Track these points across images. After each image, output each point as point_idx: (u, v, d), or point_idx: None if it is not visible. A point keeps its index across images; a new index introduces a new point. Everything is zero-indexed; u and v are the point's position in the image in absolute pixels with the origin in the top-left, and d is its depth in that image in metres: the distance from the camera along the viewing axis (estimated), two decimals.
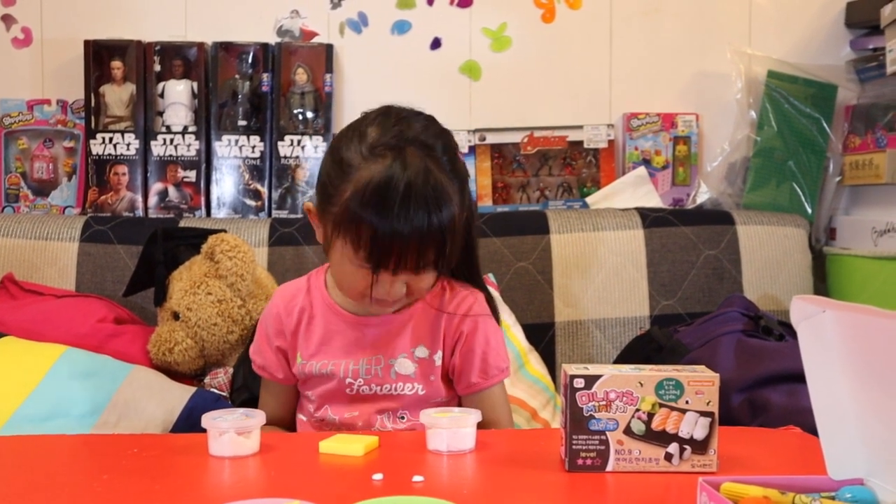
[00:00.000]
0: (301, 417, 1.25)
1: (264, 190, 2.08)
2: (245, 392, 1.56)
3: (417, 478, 0.87)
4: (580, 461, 0.90)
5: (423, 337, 1.19)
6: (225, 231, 1.70)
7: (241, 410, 1.01)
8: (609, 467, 0.90)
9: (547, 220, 1.93)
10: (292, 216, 2.07)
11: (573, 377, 0.89)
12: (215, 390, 1.60)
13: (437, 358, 1.19)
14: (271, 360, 1.22)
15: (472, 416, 0.99)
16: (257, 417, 0.99)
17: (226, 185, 2.09)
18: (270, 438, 1.01)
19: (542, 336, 1.87)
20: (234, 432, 0.96)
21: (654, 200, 2.09)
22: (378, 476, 0.88)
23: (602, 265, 1.91)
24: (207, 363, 1.69)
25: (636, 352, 1.72)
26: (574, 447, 0.90)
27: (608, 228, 1.93)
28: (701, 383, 0.88)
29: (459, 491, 0.86)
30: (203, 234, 1.69)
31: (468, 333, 1.19)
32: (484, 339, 1.19)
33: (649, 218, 1.95)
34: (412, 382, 1.18)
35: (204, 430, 0.99)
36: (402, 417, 1.19)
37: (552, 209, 2.05)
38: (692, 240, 1.93)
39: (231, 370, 1.64)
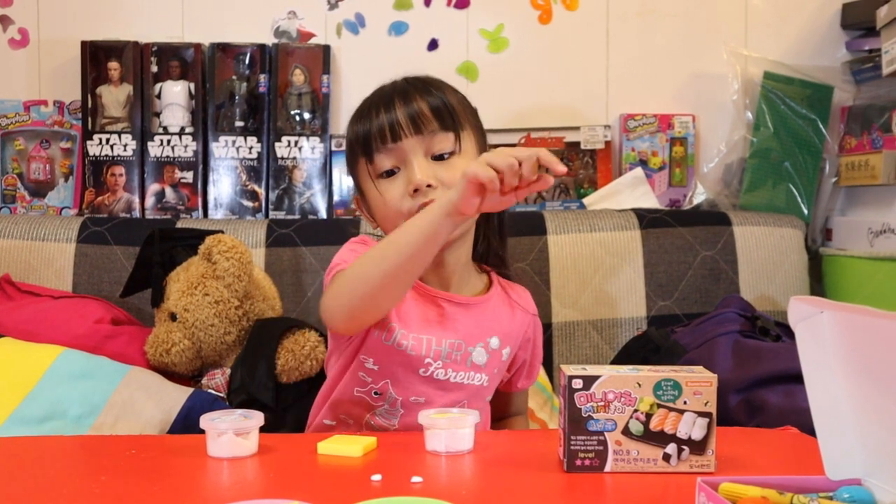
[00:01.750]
0: (348, 392, 1.18)
1: (261, 191, 2.07)
2: (243, 393, 1.56)
3: (416, 479, 0.87)
4: (578, 462, 0.90)
5: (496, 328, 1.19)
6: (222, 232, 1.69)
7: (240, 411, 1.00)
8: (607, 468, 0.90)
9: (544, 221, 1.93)
10: (290, 217, 2.06)
11: (571, 378, 0.89)
12: (213, 391, 1.60)
13: (506, 353, 1.20)
14: None
15: (470, 418, 0.99)
16: (256, 419, 0.98)
17: (223, 186, 2.08)
18: (269, 440, 1.01)
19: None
20: (232, 433, 0.95)
21: (650, 201, 2.08)
22: (377, 477, 0.88)
23: (599, 266, 1.90)
24: (205, 364, 1.68)
25: (634, 353, 1.71)
26: (572, 448, 0.90)
27: (605, 229, 1.92)
28: (699, 384, 0.88)
29: (458, 492, 0.86)
30: (200, 235, 1.68)
31: (532, 339, 1.22)
32: (538, 345, 1.23)
33: (646, 219, 1.95)
34: (481, 373, 1.18)
35: (202, 432, 0.98)
36: None
37: (549, 210, 2.04)
38: (689, 241, 1.93)
39: (228, 371, 1.63)
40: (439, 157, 1.14)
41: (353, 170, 1.21)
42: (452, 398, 1.17)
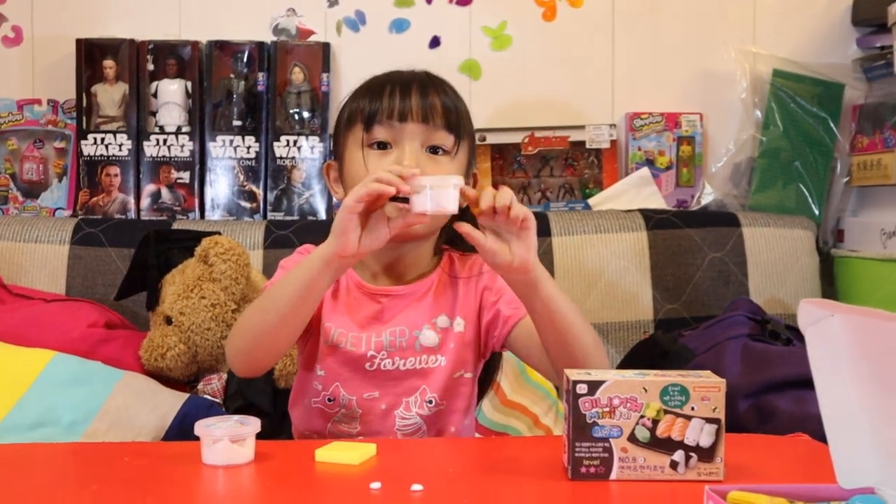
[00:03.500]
0: (307, 403, 1.19)
1: (259, 191, 2.07)
2: (239, 398, 1.57)
3: (416, 487, 0.87)
4: (583, 469, 0.89)
5: (442, 306, 1.19)
6: (219, 233, 1.70)
7: (236, 417, 1.00)
8: (613, 475, 0.90)
9: (549, 222, 1.93)
10: (288, 218, 2.07)
11: (576, 382, 0.88)
12: (209, 397, 1.60)
13: (458, 324, 1.18)
14: None
15: (454, 179, 1.01)
16: (252, 425, 0.98)
17: (220, 186, 2.09)
18: (265, 447, 1.01)
19: None
20: (228, 440, 0.95)
21: (657, 202, 2.09)
22: (376, 485, 0.88)
23: (605, 268, 1.91)
24: (201, 369, 1.69)
25: (640, 357, 1.72)
26: (577, 455, 0.89)
27: (611, 230, 1.93)
28: (707, 389, 0.88)
29: (460, 500, 0.86)
30: (197, 237, 1.68)
31: (487, 286, 1.20)
32: (499, 287, 1.19)
33: (653, 220, 1.96)
34: (435, 354, 1.17)
35: (197, 438, 0.99)
36: (431, 402, 1.17)
37: (554, 211, 2.05)
38: (697, 242, 1.94)
39: (225, 376, 1.64)
40: (434, 151, 1.16)
41: (339, 135, 1.22)
42: (407, 386, 1.17)
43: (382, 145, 1.15)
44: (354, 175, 1.15)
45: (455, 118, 1.16)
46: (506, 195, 0.98)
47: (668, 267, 1.93)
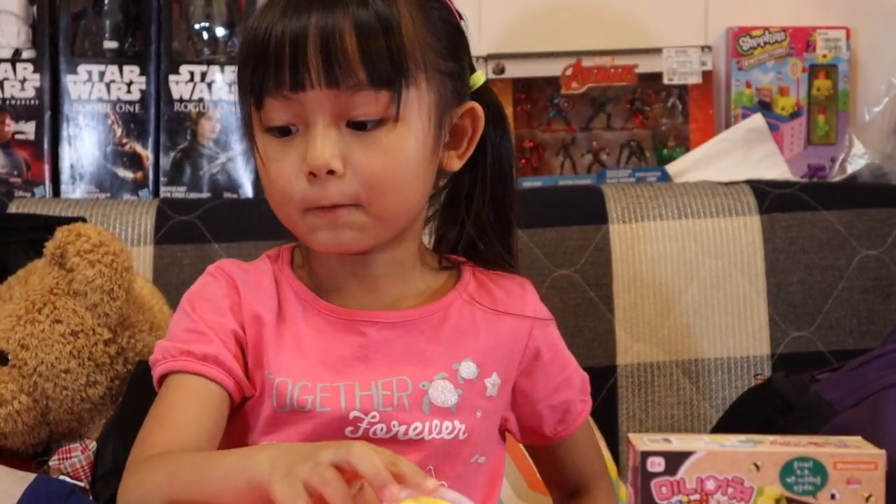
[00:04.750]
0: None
1: (147, 154, 1.87)
2: (116, 481, 1.25)
3: None
4: None
5: (468, 347, 1.12)
6: (83, 221, 1.53)
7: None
8: None
9: (604, 202, 1.75)
10: (193, 195, 1.86)
11: (646, 455, 0.82)
12: (67, 478, 1.44)
13: (491, 384, 1.11)
14: (223, 347, 1.08)
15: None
16: None
17: (84, 145, 1.87)
18: None
19: (597, 386, 1.56)
20: None
21: (777, 169, 1.88)
22: None
23: (693, 274, 1.74)
24: (54, 434, 1.49)
25: (749, 413, 1.53)
26: None
27: (703, 215, 1.75)
28: (856, 465, 0.80)
29: None
30: (47, 227, 1.51)
31: (541, 351, 1.15)
32: (561, 362, 1.16)
33: (770, 197, 1.77)
34: (451, 420, 1.09)
35: None
36: None
37: (612, 184, 1.87)
38: (840, 233, 1.75)
39: (94, 445, 1.46)
40: (360, 126, 1.05)
41: (241, 93, 1.12)
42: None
43: (283, 131, 1.06)
44: (262, 176, 1.10)
45: (386, 53, 1.04)
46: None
47: (794, 272, 1.74)
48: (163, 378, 1.06)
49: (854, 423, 1.35)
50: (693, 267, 1.71)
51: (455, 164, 1.09)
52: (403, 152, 1.04)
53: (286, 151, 1.04)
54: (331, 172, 1.03)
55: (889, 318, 1.70)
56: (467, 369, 1.10)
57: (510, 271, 1.19)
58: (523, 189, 1.87)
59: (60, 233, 1.43)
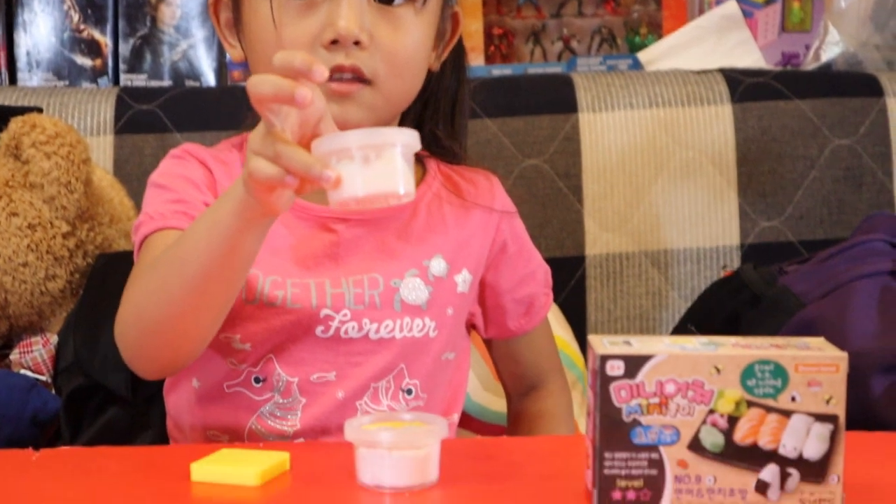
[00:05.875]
0: (215, 387, 1.13)
1: (106, 40, 1.90)
2: (78, 375, 1.43)
3: None
4: (617, 495, 0.83)
5: (439, 244, 1.14)
6: (40, 111, 1.58)
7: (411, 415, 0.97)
8: None
9: (574, 90, 1.80)
10: (154, 84, 1.89)
11: (605, 358, 0.82)
12: (28, 372, 1.50)
13: (462, 281, 1.14)
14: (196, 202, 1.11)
15: (401, 134, 0.89)
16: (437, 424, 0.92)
17: (40, 31, 1.90)
18: (112, 457, 0.97)
19: (566, 277, 1.74)
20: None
21: (750, 57, 1.93)
22: None
23: (663, 164, 1.78)
24: (14, 328, 1.54)
25: (715, 307, 1.59)
26: (607, 472, 0.83)
27: (675, 104, 1.80)
28: (817, 367, 0.82)
29: None
30: (1, 117, 1.55)
31: (507, 243, 1.18)
32: (526, 255, 1.19)
33: (743, 86, 1.82)
34: (421, 318, 1.12)
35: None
36: (409, 392, 1.14)
37: (582, 72, 1.93)
38: (813, 122, 1.80)
39: (54, 339, 1.51)
40: (387, 1, 1.09)
41: None
42: (379, 365, 1.12)
43: None
44: (259, 35, 1.11)
45: None
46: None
47: (766, 162, 1.80)
48: (143, 245, 1.06)
49: (821, 315, 1.44)
50: (663, 157, 1.75)
51: (435, 64, 1.11)
52: (422, 36, 1.06)
53: (304, 17, 1.05)
54: (356, 44, 1.04)
55: (860, 208, 1.77)
56: (438, 266, 1.13)
57: (468, 163, 1.20)
58: (494, 76, 1.92)
59: (15, 124, 1.46)
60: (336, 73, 1.03)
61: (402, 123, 1.18)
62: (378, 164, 0.86)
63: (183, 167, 1.12)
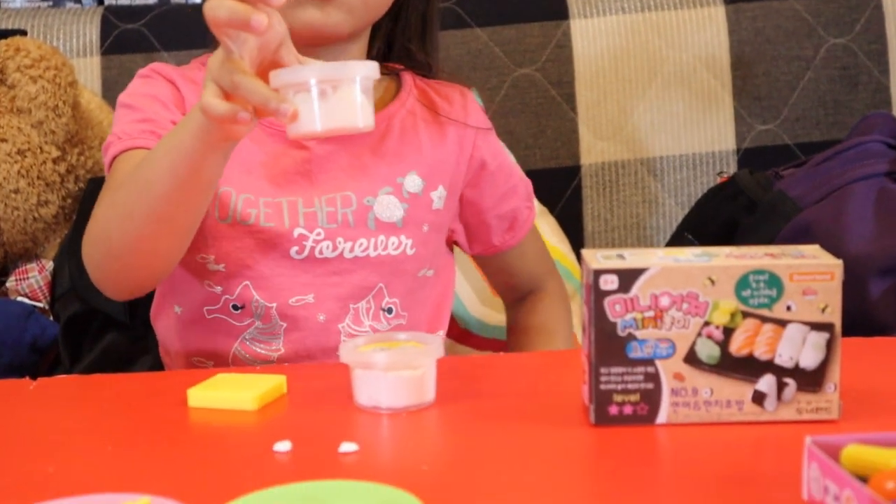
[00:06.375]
0: (195, 312, 1.13)
1: None
2: (74, 302, 1.45)
3: (347, 447, 0.78)
4: (614, 409, 0.83)
5: (412, 160, 1.13)
6: (24, 33, 1.59)
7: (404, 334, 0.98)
8: (661, 418, 0.83)
9: None
10: (139, 2, 1.90)
11: (599, 273, 0.82)
12: (25, 299, 1.54)
13: (437, 197, 1.13)
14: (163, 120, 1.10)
15: (361, 67, 0.89)
16: (432, 344, 0.93)
17: None
18: (112, 384, 0.97)
19: (561, 187, 1.77)
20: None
21: None
22: (283, 446, 0.79)
23: (657, 69, 1.79)
24: (9, 255, 1.58)
25: (710, 213, 1.61)
26: (603, 387, 0.83)
27: (667, 6, 1.79)
28: (812, 276, 0.81)
29: (411, 468, 0.77)
30: None
31: (486, 161, 1.17)
32: (506, 171, 1.18)
33: None
34: (397, 236, 1.11)
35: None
36: (390, 311, 1.13)
37: None
38: (808, 21, 1.80)
39: (50, 265, 1.55)
40: None
41: None
42: (357, 284, 1.11)
43: None
44: None
45: None
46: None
47: (759, 63, 1.81)
48: (112, 165, 1.05)
49: (818, 219, 1.45)
50: (656, 62, 1.75)
51: None
52: None
53: None
54: None
55: (856, 108, 1.77)
56: (412, 183, 1.12)
57: (444, 77, 1.19)
58: None
59: None
60: None
61: (373, 40, 1.17)
62: (335, 98, 0.86)
63: (150, 86, 1.10)
